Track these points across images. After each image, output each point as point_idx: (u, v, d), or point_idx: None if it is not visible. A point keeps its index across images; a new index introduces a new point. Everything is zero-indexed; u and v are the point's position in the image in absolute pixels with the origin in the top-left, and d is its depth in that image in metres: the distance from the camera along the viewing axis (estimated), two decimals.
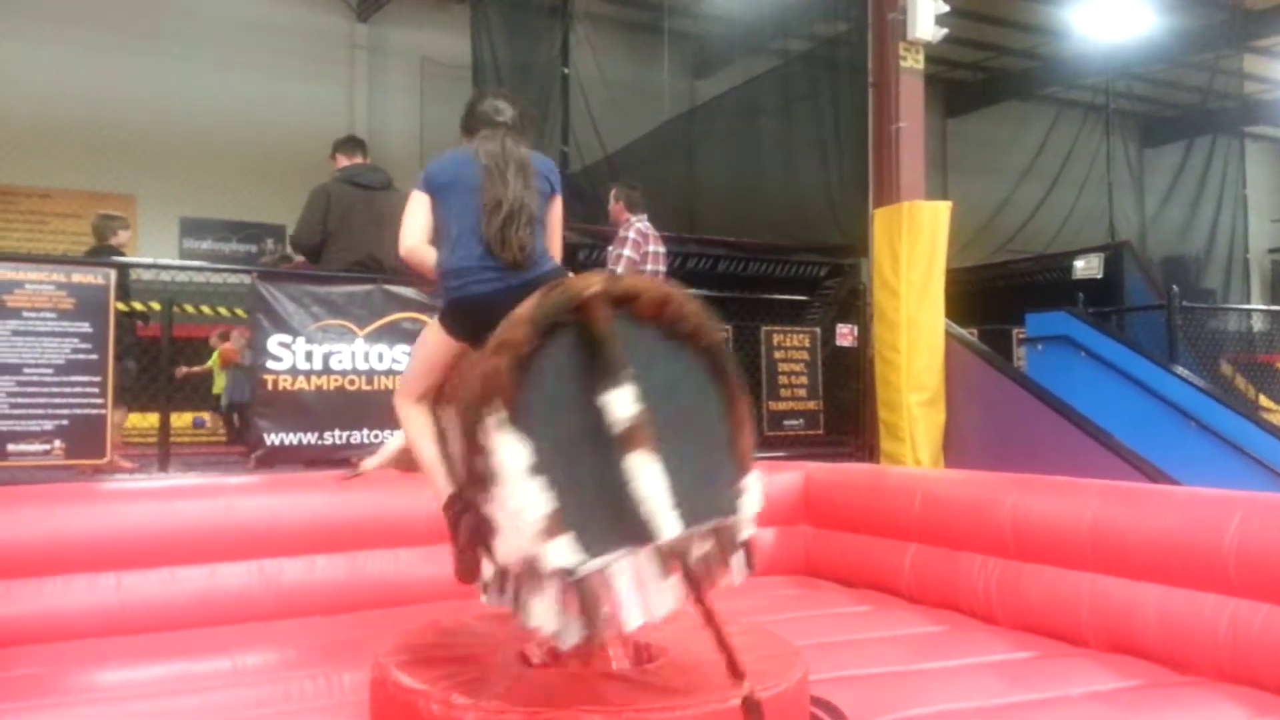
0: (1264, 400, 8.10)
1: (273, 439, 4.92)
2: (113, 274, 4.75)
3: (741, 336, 6.86)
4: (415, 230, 2.73)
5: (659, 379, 2.27)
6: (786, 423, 6.99)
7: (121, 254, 6.36)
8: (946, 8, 6.61)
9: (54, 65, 11.36)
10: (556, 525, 2.12)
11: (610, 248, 6.53)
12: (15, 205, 11.91)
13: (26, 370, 4.44)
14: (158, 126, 11.81)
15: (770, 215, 9.42)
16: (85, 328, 4.56)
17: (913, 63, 6.62)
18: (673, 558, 2.26)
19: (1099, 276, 9.80)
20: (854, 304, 7.42)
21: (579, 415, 2.19)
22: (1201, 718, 2.82)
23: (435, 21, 13.16)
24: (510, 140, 2.72)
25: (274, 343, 4.98)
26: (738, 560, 2.48)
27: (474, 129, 2.81)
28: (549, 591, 2.17)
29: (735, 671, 2.31)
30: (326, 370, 5.06)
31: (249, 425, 6.39)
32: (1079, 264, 10.12)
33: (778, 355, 7.03)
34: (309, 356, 5.04)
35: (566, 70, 9.87)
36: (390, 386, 4.97)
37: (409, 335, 5.24)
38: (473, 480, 2.26)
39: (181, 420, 6.13)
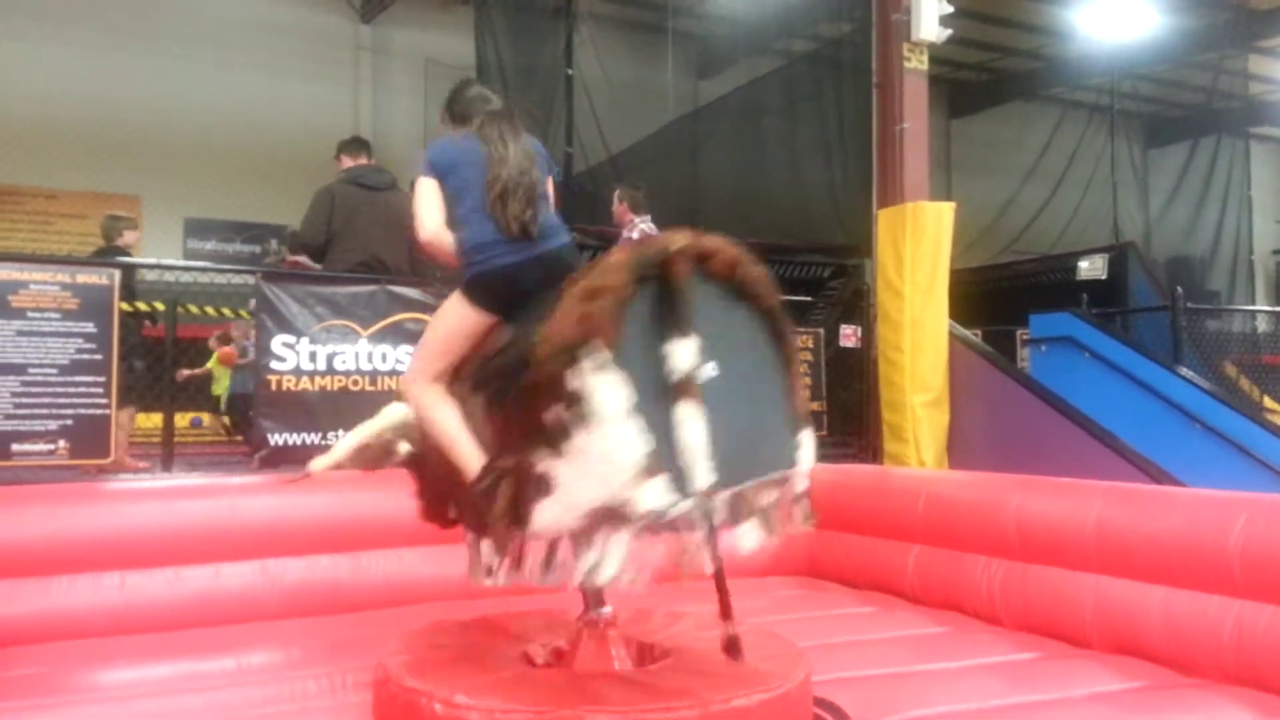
0: (1268, 401, 8.08)
1: (276, 439, 4.92)
2: (117, 274, 4.76)
3: None
4: (432, 215, 2.72)
5: (725, 335, 2.34)
6: None
7: (128, 255, 6.37)
8: (951, 8, 6.60)
9: (60, 66, 11.39)
10: (655, 465, 2.17)
11: (614, 249, 6.53)
12: (21, 206, 11.94)
13: (31, 370, 4.45)
14: (163, 127, 11.83)
15: (774, 216, 9.42)
16: (90, 328, 4.57)
17: (917, 63, 6.61)
18: (744, 504, 2.36)
19: (1103, 277, 9.78)
20: (858, 305, 7.42)
21: (653, 363, 2.25)
22: (1206, 719, 2.82)
23: (439, 23, 13.17)
24: (507, 123, 2.75)
25: (278, 343, 4.98)
26: (801, 509, 2.54)
27: (467, 115, 2.82)
28: (625, 538, 2.24)
29: (725, 612, 2.54)
30: (330, 371, 5.07)
31: (251, 423, 6.42)
32: (1083, 265, 10.10)
33: None
34: (313, 357, 5.04)
35: (570, 71, 9.87)
36: (394, 387, 4.97)
37: (412, 336, 5.24)
38: (539, 435, 2.26)
39: (180, 420, 6.14)
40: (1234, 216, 16.40)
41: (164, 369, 5.36)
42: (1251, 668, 3.01)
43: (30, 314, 4.47)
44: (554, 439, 2.24)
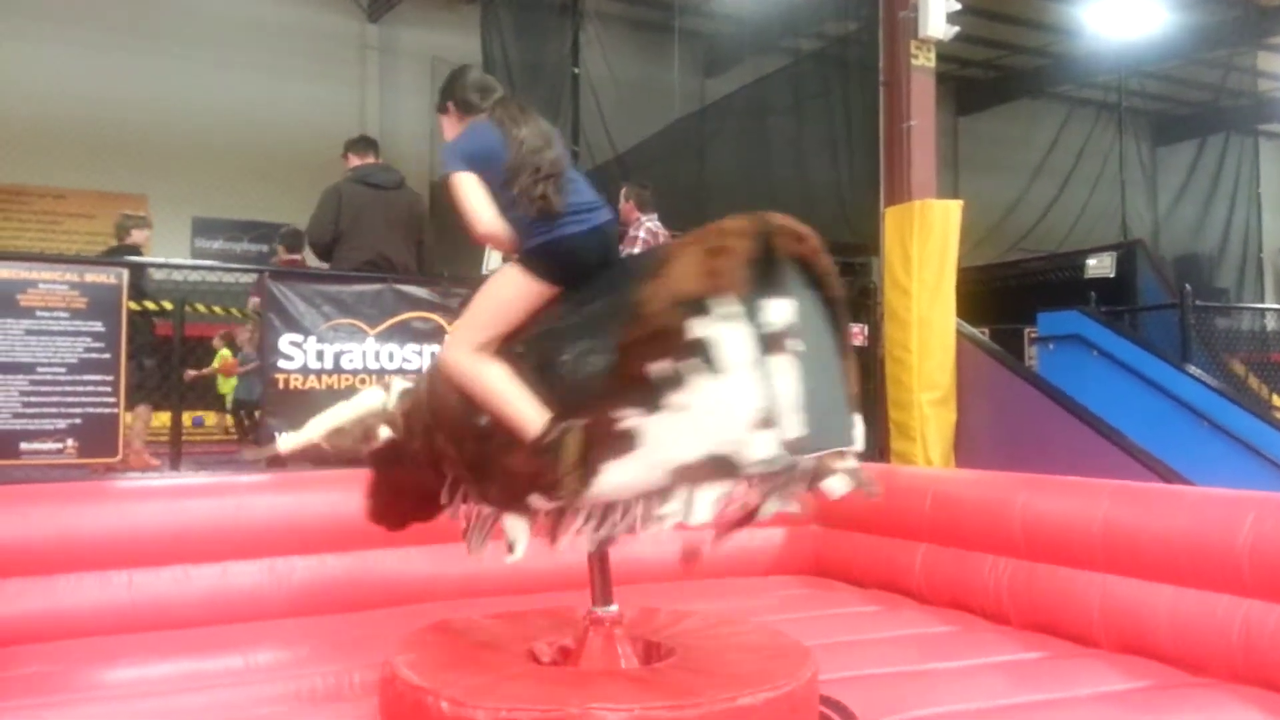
0: (1277, 400, 8.04)
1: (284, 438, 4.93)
2: (125, 273, 4.78)
3: None
4: (486, 208, 2.66)
5: (801, 313, 2.42)
6: None
7: (138, 253, 6.40)
8: (958, 5, 6.58)
9: (66, 66, 11.43)
10: (770, 417, 2.26)
11: (620, 246, 6.53)
12: (29, 205, 11.99)
13: (40, 369, 4.47)
14: (170, 127, 11.86)
15: (781, 214, 9.39)
16: (98, 327, 4.58)
17: (924, 61, 6.60)
18: (823, 466, 2.41)
19: (1111, 275, 9.74)
20: (865, 303, 7.39)
21: (753, 326, 2.34)
22: (1214, 719, 2.80)
23: (446, 21, 13.18)
24: (516, 107, 2.75)
25: (285, 342, 4.99)
26: (866, 479, 2.54)
27: (476, 104, 2.80)
28: (720, 489, 2.32)
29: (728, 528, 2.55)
30: (338, 369, 5.07)
31: (257, 427, 6.45)
32: (1091, 263, 10.06)
33: None
34: (320, 356, 5.05)
35: (577, 69, 9.87)
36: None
37: (420, 334, 5.25)
38: (633, 390, 2.32)
39: (163, 419, 6.21)
40: (1243, 214, 16.33)
41: (171, 368, 5.38)
42: (1260, 667, 3.00)
43: (39, 313, 4.49)
44: (656, 392, 2.30)
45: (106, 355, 4.59)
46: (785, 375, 2.30)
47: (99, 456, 4.57)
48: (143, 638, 3.49)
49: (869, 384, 7.00)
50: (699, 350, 2.27)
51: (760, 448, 2.25)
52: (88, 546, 3.62)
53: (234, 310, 6.64)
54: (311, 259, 7.17)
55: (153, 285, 5.96)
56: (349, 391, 5.06)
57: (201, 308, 6.32)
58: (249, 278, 6.19)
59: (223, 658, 3.30)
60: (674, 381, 2.29)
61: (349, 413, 3.02)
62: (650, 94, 11.05)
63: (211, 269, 7.01)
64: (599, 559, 2.76)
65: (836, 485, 2.43)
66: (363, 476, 3.16)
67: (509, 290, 2.63)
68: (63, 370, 4.50)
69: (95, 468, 4.63)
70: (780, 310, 2.34)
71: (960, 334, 6.33)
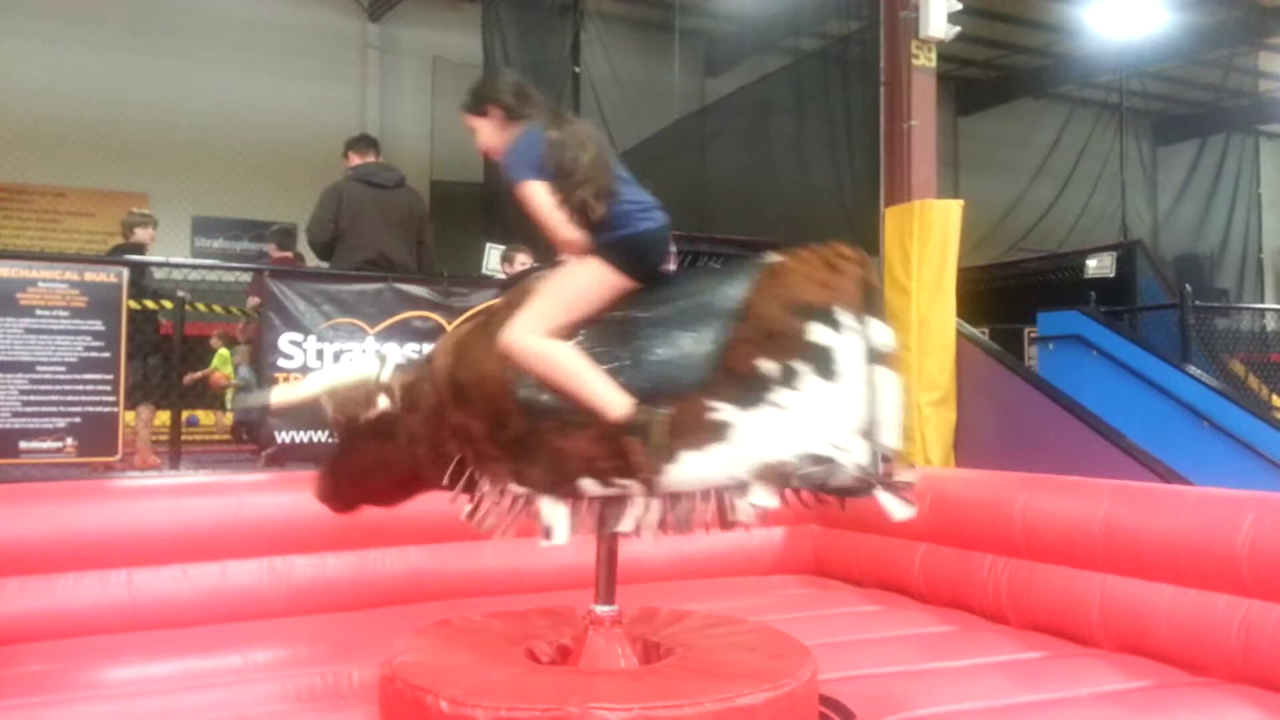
0: (1277, 400, 8.04)
1: (283, 437, 4.93)
2: (125, 272, 4.78)
3: None
4: (564, 218, 2.65)
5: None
6: None
7: (143, 251, 6.41)
8: (959, 5, 6.57)
9: (67, 65, 11.43)
10: (871, 427, 2.42)
11: None
12: (29, 204, 11.98)
13: (40, 368, 4.46)
14: (170, 125, 11.86)
15: (781, 214, 9.39)
16: (98, 326, 4.58)
17: (925, 61, 6.59)
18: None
19: (1111, 275, 9.72)
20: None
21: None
22: (1213, 719, 2.80)
23: (447, 21, 13.18)
24: (558, 112, 2.80)
25: (285, 341, 4.99)
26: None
27: (518, 109, 2.79)
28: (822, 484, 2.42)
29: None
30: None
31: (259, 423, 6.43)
32: (1091, 263, 10.05)
33: None
34: (320, 355, 5.05)
35: (578, 69, 9.87)
36: None
37: (420, 333, 5.25)
38: (735, 382, 2.42)
39: (164, 418, 6.20)
40: (1243, 214, 16.33)
41: (171, 367, 5.38)
42: (1259, 667, 3.00)
43: (39, 312, 4.48)
44: (758, 388, 2.41)
45: (106, 354, 4.59)
46: (888, 390, 2.47)
47: (98, 455, 4.57)
48: (142, 636, 3.49)
49: None
50: (814, 354, 2.41)
51: (860, 454, 2.40)
52: (87, 545, 3.62)
53: (233, 309, 6.63)
54: (309, 256, 7.18)
55: (155, 284, 5.96)
56: None
57: (202, 306, 6.32)
58: (249, 276, 6.19)
59: (222, 656, 3.30)
60: (782, 380, 2.41)
61: (345, 375, 2.92)
62: (651, 93, 11.06)
63: (211, 268, 7.01)
64: (607, 556, 2.75)
65: (896, 507, 2.50)
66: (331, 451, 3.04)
67: (588, 281, 2.62)
68: (62, 369, 4.50)
69: (95, 466, 4.63)
70: (883, 332, 2.52)
71: (960, 334, 6.33)
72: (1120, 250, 10.35)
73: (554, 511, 2.57)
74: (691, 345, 2.50)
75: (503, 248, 7.08)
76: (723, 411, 2.42)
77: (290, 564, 3.88)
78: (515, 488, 2.62)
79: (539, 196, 2.63)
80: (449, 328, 5.35)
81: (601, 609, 2.73)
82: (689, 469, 2.44)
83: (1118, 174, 14.86)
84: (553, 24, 10.29)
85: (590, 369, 2.51)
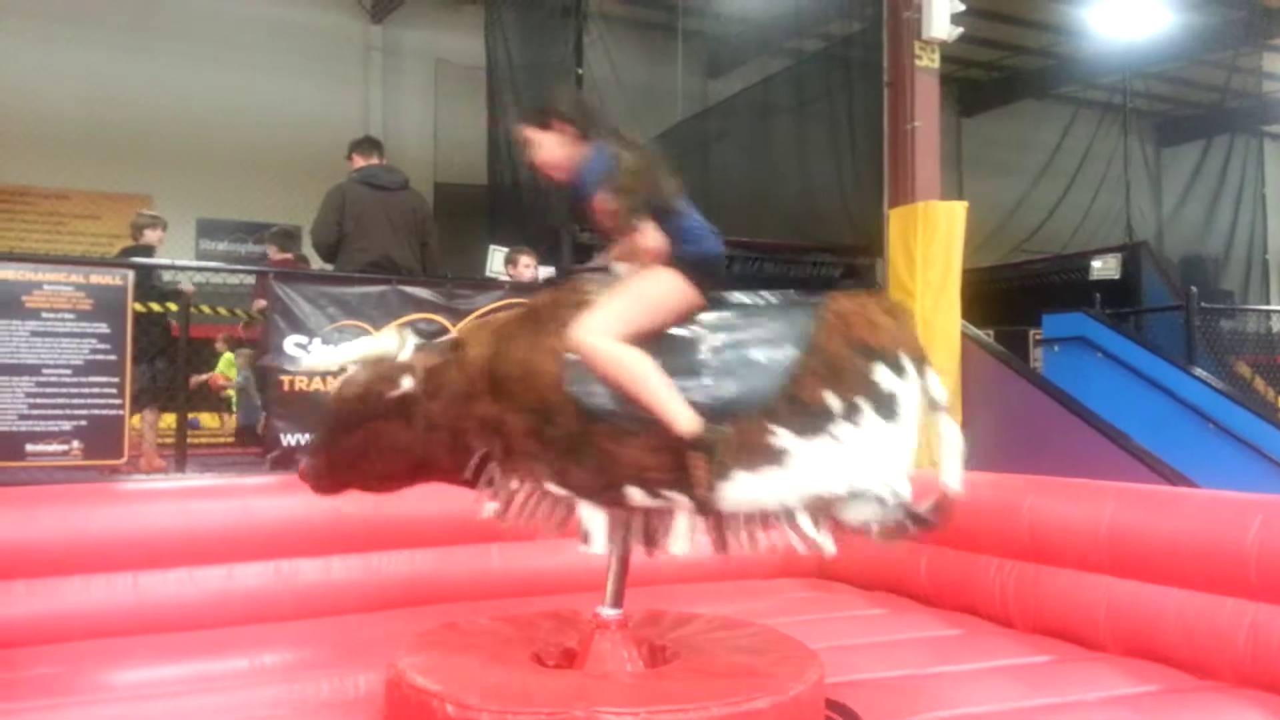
0: None
1: (289, 440, 4.94)
2: (130, 274, 4.78)
3: None
4: (654, 230, 2.71)
5: None
6: None
7: (152, 253, 6.42)
8: (962, 6, 6.57)
9: (69, 67, 11.43)
10: (912, 469, 2.55)
11: None
12: (33, 207, 11.99)
13: (45, 371, 4.47)
14: (173, 127, 11.86)
15: (785, 215, 9.38)
16: (103, 328, 4.59)
17: (928, 62, 6.59)
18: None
19: (1116, 277, 9.72)
20: None
21: None
22: None
23: (449, 22, 13.18)
24: (622, 132, 2.82)
25: (290, 343, 4.99)
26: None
27: (587, 128, 2.81)
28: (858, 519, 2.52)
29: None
30: (343, 371, 5.06)
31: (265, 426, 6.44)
32: (1096, 264, 10.04)
33: None
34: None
35: (580, 70, 9.85)
36: None
37: (424, 335, 5.23)
38: (800, 411, 2.50)
39: (169, 421, 6.19)
40: (1248, 216, 16.28)
41: (177, 370, 5.38)
42: (1268, 671, 2.99)
43: (44, 315, 4.49)
44: (820, 420, 2.49)
45: (112, 357, 4.59)
46: (950, 436, 2.65)
47: (104, 458, 4.57)
48: (149, 639, 3.49)
49: None
50: (876, 395, 2.52)
51: (907, 495, 2.52)
52: (94, 548, 3.62)
53: (238, 311, 6.63)
54: (312, 258, 7.18)
55: (163, 285, 5.94)
56: None
57: (206, 309, 6.33)
58: (253, 279, 6.20)
59: (228, 659, 3.31)
60: (845, 415, 2.50)
61: (371, 348, 2.81)
62: (654, 95, 11.04)
63: (216, 270, 7.02)
64: (620, 562, 2.75)
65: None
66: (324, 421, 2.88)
67: (664, 290, 2.65)
68: (68, 372, 4.50)
69: (101, 469, 4.63)
70: (939, 383, 2.66)
71: (965, 336, 6.32)
72: (1125, 252, 10.35)
73: (594, 517, 2.56)
74: (758, 370, 2.55)
75: (506, 250, 7.08)
76: (782, 437, 2.48)
77: (296, 567, 3.88)
78: (555, 488, 2.59)
79: (627, 206, 2.67)
80: (452, 328, 5.36)
81: (607, 612, 2.72)
82: (741, 490, 2.48)
83: (1122, 175, 14.83)
84: (555, 26, 10.27)
85: (661, 379, 2.52)
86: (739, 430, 2.48)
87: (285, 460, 4.92)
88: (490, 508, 2.71)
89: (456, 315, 5.38)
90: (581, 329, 2.55)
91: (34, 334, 4.46)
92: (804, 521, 2.52)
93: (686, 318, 2.66)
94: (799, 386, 2.52)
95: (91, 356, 4.55)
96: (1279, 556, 3.02)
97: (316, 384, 5.02)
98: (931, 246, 6.20)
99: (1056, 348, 6.94)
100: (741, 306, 2.75)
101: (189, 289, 5.60)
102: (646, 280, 2.65)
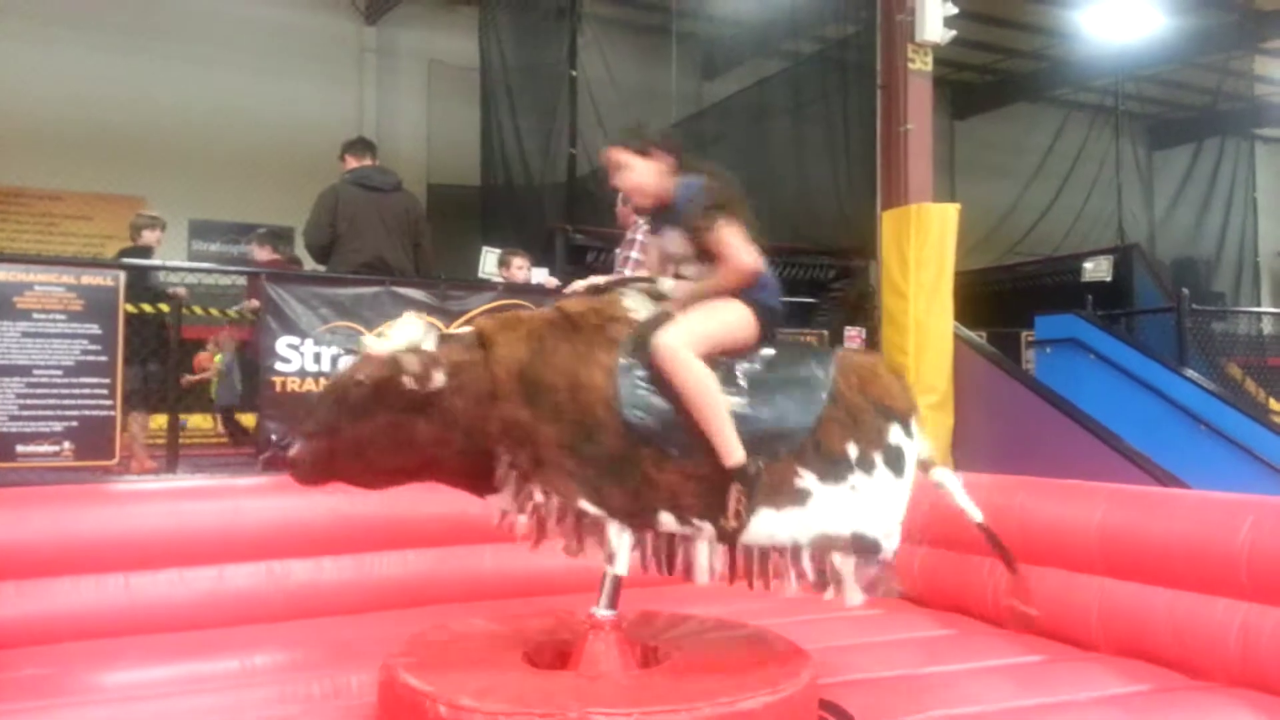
0: (1274, 403, 8.05)
1: (281, 440, 4.92)
2: (122, 275, 4.76)
3: None
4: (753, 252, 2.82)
5: None
6: None
7: (150, 254, 6.40)
8: (955, 10, 6.59)
9: (63, 67, 11.40)
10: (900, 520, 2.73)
11: (618, 250, 6.53)
12: (26, 207, 11.95)
13: (36, 372, 4.45)
14: (166, 129, 11.83)
15: (778, 217, 9.39)
16: (95, 329, 4.57)
17: (921, 65, 6.61)
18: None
19: (1108, 279, 9.75)
20: (863, 307, 7.40)
21: None
22: None
23: (444, 24, 13.17)
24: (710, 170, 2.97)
25: (282, 344, 4.98)
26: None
27: (690, 163, 2.95)
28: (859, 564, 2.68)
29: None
30: (335, 372, 5.06)
31: (240, 429, 6.42)
32: (1088, 266, 10.08)
33: None
34: (317, 358, 5.04)
35: (574, 72, 9.86)
36: None
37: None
38: (824, 457, 2.66)
39: (159, 422, 6.17)
40: (1239, 218, 16.36)
41: (168, 370, 5.36)
42: (1258, 671, 3.00)
43: (35, 315, 4.47)
44: (841, 467, 2.66)
45: (103, 358, 4.57)
46: (949, 480, 2.96)
47: (95, 459, 4.55)
48: (140, 640, 3.48)
49: None
50: (888, 450, 2.71)
51: (896, 545, 2.70)
52: (84, 549, 3.61)
53: (230, 312, 6.62)
54: (305, 260, 7.16)
55: (160, 285, 5.90)
56: None
57: (199, 310, 6.31)
58: (246, 280, 6.19)
59: (220, 661, 3.29)
60: (860, 465, 2.67)
61: (403, 338, 2.62)
62: (648, 97, 11.04)
63: (209, 271, 7.00)
64: None
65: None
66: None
67: (739, 322, 2.74)
68: (59, 373, 4.48)
69: (92, 470, 4.61)
70: (928, 446, 2.88)
71: (957, 337, 6.34)
72: (1117, 254, 10.39)
73: (620, 539, 2.57)
74: (792, 412, 2.66)
75: (499, 251, 7.08)
76: (806, 480, 2.63)
77: (288, 568, 3.87)
78: (589, 506, 2.56)
79: (736, 233, 2.77)
80: (446, 325, 5.35)
81: (601, 613, 2.72)
82: (763, 525, 2.59)
83: (1114, 178, 14.89)
84: (550, 27, 10.28)
85: (723, 406, 2.58)
86: (770, 469, 2.59)
87: (277, 461, 4.90)
88: (521, 523, 2.68)
89: (449, 316, 5.37)
90: (673, 337, 2.59)
91: (25, 334, 4.44)
92: (806, 559, 2.64)
93: (739, 354, 2.73)
94: (825, 432, 2.66)
95: (83, 357, 4.53)
96: (1270, 557, 3.04)
97: (309, 385, 5.01)
98: (924, 249, 6.22)
99: (1049, 349, 6.96)
100: (778, 345, 2.84)
101: (181, 293, 5.58)
102: (726, 307, 2.74)
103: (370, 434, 2.57)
